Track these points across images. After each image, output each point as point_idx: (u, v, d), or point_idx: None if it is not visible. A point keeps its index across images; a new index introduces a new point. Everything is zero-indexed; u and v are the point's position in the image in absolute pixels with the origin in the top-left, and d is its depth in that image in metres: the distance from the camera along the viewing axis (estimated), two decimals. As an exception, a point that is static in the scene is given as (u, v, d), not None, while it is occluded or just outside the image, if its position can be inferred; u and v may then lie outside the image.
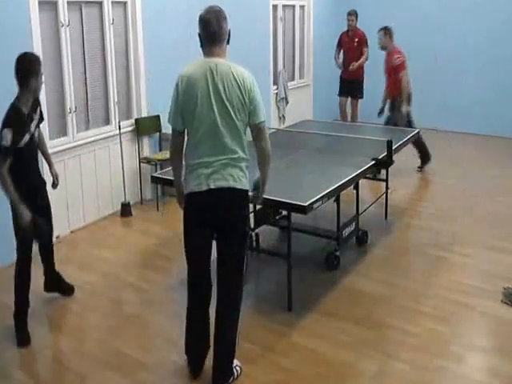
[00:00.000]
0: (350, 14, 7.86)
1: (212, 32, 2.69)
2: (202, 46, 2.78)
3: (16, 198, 3.18)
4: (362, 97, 7.97)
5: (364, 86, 7.93)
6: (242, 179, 2.75)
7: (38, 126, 3.44)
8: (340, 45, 8.07)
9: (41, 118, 3.51)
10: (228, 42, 2.80)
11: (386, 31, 6.54)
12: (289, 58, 8.67)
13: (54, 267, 3.86)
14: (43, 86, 4.52)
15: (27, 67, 3.20)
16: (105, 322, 3.72)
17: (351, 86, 7.93)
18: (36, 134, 3.41)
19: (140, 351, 3.30)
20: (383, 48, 6.63)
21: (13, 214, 3.31)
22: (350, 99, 8.07)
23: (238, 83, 2.65)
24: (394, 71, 6.47)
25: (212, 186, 2.70)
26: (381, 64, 6.73)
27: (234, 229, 2.83)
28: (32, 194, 3.36)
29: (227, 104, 2.66)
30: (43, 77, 3.38)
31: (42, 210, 3.49)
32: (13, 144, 3.13)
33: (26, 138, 3.25)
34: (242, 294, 2.96)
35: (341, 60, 8.05)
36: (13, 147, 3.14)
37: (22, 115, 3.24)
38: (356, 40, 7.82)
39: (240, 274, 2.91)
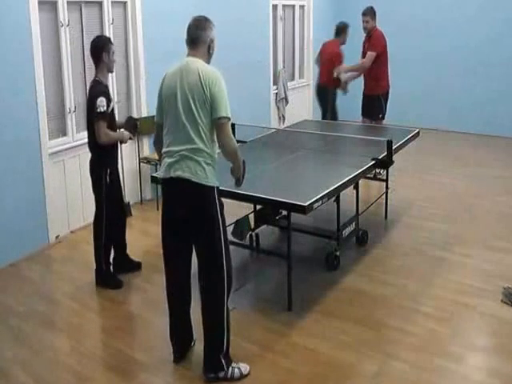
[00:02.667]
0: (363, 13, 6.32)
1: (189, 37, 2.95)
2: None
3: (115, 134, 3.93)
4: (382, 117, 6.46)
5: (387, 103, 6.48)
6: (199, 173, 2.83)
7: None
8: (363, 55, 6.50)
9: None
10: (209, 51, 2.96)
11: None
12: (289, 58, 8.68)
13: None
14: (42, 85, 4.58)
15: (98, 46, 3.82)
16: (105, 322, 3.73)
17: (368, 103, 6.48)
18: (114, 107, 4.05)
19: (140, 352, 3.30)
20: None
21: (94, 175, 3.95)
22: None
23: (200, 79, 2.80)
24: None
25: (172, 175, 2.87)
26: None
27: (199, 224, 2.91)
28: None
29: (189, 98, 2.82)
30: (114, 54, 3.92)
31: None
32: (107, 108, 3.76)
33: (112, 104, 3.88)
34: (224, 291, 2.93)
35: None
36: (107, 112, 3.77)
37: (105, 85, 3.88)
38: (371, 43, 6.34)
39: (215, 275, 2.93)
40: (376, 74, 6.36)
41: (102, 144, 3.82)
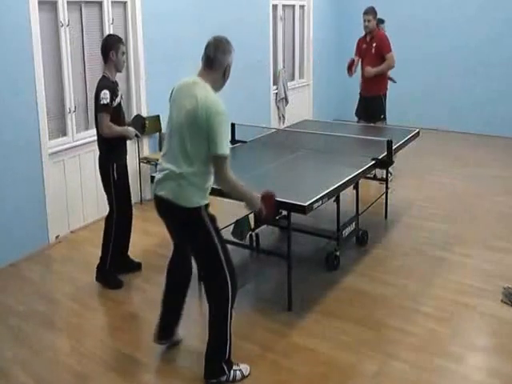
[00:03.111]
0: (365, 12, 6.20)
1: (206, 55, 2.83)
2: None
3: (119, 128, 3.89)
4: (384, 118, 6.35)
5: (386, 104, 6.40)
6: (182, 196, 2.78)
7: (121, 97, 4.02)
8: (358, 54, 6.43)
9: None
10: (224, 76, 2.86)
11: None
12: (289, 58, 8.68)
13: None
14: (42, 85, 4.58)
15: (107, 44, 3.88)
16: (105, 322, 3.73)
17: (369, 105, 6.34)
18: (122, 103, 4.00)
19: (140, 351, 3.30)
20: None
21: (104, 173, 3.97)
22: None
23: (197, 106, 2.69)
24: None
25: (157, 193, 2.89)
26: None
27: (193, 241, 2.92)
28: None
29: (183, 121, 2.76)
30: (124, 55, 3.95)
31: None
32: (111, 102, 3.79)
33: (118, 99, 3.89)
34: (228, 303, 2.88)
35: (358, 73, 6.44)
36: (111, 105, 3.79)
37: (112, 81, 3.90)
38: (374, 45, 6.19)
39: (218, 289, 2.89)
40: (379, 75, 6.26)
41: (105, 136, 3.84)
